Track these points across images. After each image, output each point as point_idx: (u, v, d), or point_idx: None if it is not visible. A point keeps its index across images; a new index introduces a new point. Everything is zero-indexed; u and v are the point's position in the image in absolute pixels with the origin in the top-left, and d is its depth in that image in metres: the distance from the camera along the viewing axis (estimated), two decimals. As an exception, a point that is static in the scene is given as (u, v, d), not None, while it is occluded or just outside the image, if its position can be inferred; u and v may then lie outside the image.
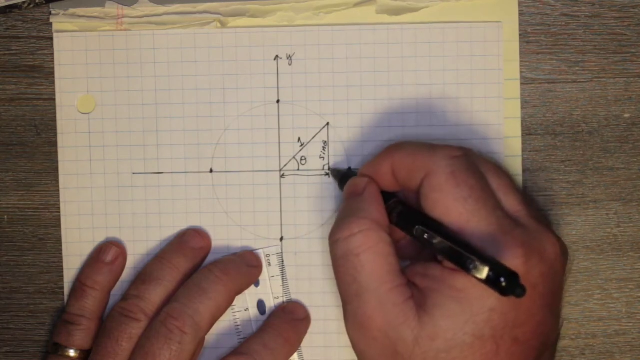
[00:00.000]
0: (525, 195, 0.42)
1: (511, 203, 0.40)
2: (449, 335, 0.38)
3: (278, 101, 0.47)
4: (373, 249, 0.40)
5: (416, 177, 0.40)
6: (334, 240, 0.41)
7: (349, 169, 0.47)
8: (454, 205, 0.39)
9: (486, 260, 0.36)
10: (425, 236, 0.39)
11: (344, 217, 0.42)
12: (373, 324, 0.40)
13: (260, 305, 0.48)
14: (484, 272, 0.36)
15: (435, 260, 0.40)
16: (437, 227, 0.39)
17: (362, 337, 0.41)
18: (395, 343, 0.39)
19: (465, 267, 0.37)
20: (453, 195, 0.39)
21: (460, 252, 0.37)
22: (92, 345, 0.46)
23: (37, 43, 0.48)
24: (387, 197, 0.43)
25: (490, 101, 0.47)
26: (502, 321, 0.38)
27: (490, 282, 0.36)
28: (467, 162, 0.40)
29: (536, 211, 0.41)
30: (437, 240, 0.38)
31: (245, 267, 0.46)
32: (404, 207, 0.42)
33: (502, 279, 0.35)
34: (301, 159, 0.47)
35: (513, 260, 0.38)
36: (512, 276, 0.35)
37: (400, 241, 0.43)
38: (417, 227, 0.39)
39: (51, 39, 0.47)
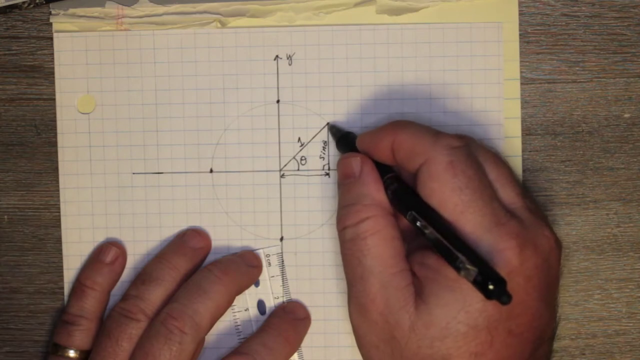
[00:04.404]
0: (523, 187, 0.42)
1: (508, 194, 0.40)
2: (443, 323, 0.38)
3: (278, 101, 0.47)
4: (380, 233, 0.41)
5: (415, 161, 0.40)
6: (342, 227, 0.42)
7: (348, 132, 0.46)
8: (450, 196, 0.39)
9: (475, 261, 0.36)
10: (418, 224, 0.39)
11: (349, 204, 0.42)
12: (374, 307, 0.40)
13: (260, 305, 0.48)
14: (471, 274, 0.36)
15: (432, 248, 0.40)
16: (430, 215, 0.39)
17: (363, 321, 0.41)
18: (393, 328, 0.40)
19: (453, 265, 0.37)
20: (450, 185, 0.39)
21: (449, 248, 0.37)
22: (92, 346, 0.46)
23: (37, 43, 0.48)
24: (383, 170, 0.42)
25: (490, 101, 0.47)
26: (496, 312, 0.38)
27: (477, 284, 0.36)
28: (467, 152, 0.40)
29: (533, 204, 0.41)
30: (428, 230, 0.38)
31: (245, 267, 0.46)
32: (399, 184, 0.41)
33: (490, 284, 0.35)
34: (301, 159, 0.47)
35: (507, 252, 0.38)
36: (500, 282, 0.35)
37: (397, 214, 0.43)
38: (410, 212, 0.39)
39: (51, 39, 0.47)
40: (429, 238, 0.38)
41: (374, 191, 0.42)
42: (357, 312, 0.41)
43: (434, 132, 0.41)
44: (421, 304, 0.39)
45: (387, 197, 0.42)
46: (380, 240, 0.41)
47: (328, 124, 0.47)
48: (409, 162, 0.41)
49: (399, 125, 0.42)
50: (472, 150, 0.41)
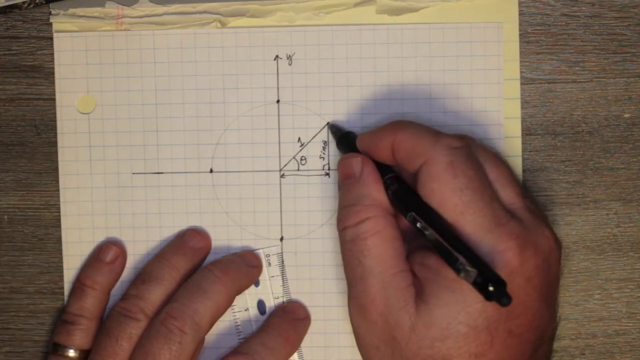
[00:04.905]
0: (523, 187, 0.42)
1: (508, 195, 0.40)
2: (443, 324, 0.38)
3: (278, 101, 0.47)
4: (380, 234, 0.41)
5: (415, 161, 0.40)
6: (343, 227, 0.42)
7: (348, 131, 0.46)
8: (450, 196, 0.39)
9: (475, 263, 0.36)
10: (418, 225, 0.39)
11: (350, 204, 0.42)
12: (374, 307, 0.40)
13: (260, 305, 0.48)
14: (471, 275, 0.36)
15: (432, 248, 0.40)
16: (430, 216, 0.39)
17: (363, 321, 0.41)
18: (393, 328, 0.40)
19: (453, 266, 0.37)
20: (450, 186, 0.39)
21: (449, 250, 0.37)
22: (91, 345, 0.46)
23: (37, 43, 0.48)
24: (383, 170, 0.42)
25: (490, 101, 0.47)
26: (497, 313, 0.38)
27: (477, 285, 0.36)
28: (467, 152, 0.40)
29: (533, 204, 0.41)
30: (429, 231, 0.38)
31: (245, 267, 0.46)
32: (399, 185, 0.41)
33: (490, 285, 0.35)
34: (301, 159, 0.47)
35: (507, 253, 0.38)
36: (499, 283, 0.35)
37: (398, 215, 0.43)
38: (410, 213, 0.39)
39: (51, 39, 0.47)
40: (429, 239, 0.38)
41: (375, 192, 0.42)
42: (357, 313, 0.41)
43: (434, 133, 0.41)
44: (421, 305, 0.39)
45: (388, 197, 0.42)
46: (381, 241, 0.41)
47: (328, 123, 0.47)
48: (409, 163, 0.41)
49: (399, 125, 0.42)
50: (472, 150, 0.41)
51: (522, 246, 0.38)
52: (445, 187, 0.39)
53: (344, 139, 0.45)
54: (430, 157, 0.40)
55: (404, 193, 0.41)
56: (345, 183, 0.43)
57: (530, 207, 0.41)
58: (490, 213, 0.39)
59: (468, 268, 0.36)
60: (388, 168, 0.42)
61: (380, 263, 0.40)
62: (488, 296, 0.35)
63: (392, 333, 0.40)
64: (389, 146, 0.42)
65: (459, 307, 0.38)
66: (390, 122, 0.43)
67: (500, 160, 0.42)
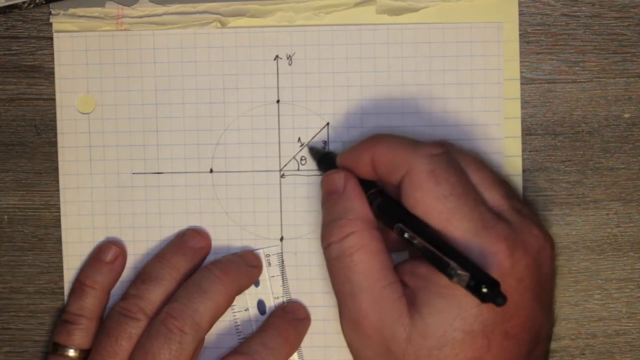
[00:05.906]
0: (508, 187, 0.42)
1: (493, 197, 0.40)
2: (439, 332, 0.38)
3: (278, 101, 0.47)
4: (365, 248, 0.40)
5: (397, 172, 0.40)
6: (327, 244, 0.41)
7: (328, 151, 0.46)
8: (434, 204, 0.39)
9: (467, 266, 0.36)
10: (406, 235, 0.39)
11: (333, 219, 0.42)
12: (367, 322, 0.40)
13: (260, 305, 0.48)
14: (464, 279, 0.36)
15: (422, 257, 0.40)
16: (417, 225, 0.39)
17: (357, 336, 0.41)
18: (388, 341, 0.39)
19: (445, 272, 0.37)
20: (434, 194, 0.39)
21: (440, 256, 0.37)
22: (91, 345, 0.46)
23: (37, 43, 0.48)
24: (367, 186, 0.42)
25: (490, 101, 0.47)
26: (491, 315, 0.38)
27: (470, 288, 0.35)
28: (448, 159, 0.40)
29: (519, 203, 0.41)
30: (417, 240, 0.38)
31: (245, 267, 0.46)
32: (384, 198, 0.41)
33: (484, 287, 0.35)
34: (301, 159, 0.47)
35: (497, 255, 0.38)
36: (493, 284, 0.35)
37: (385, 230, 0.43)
38: (397, 224, 0.39)
39: (51, 39, 0.48)
40: (418, 248, 0.38)
41: (359, 205, 0.42)
42: (350, 329, 0.41)
43: (412, 142, 0.41)
44: (415, 314, 0.39)
45: (373, 212, 0.42)
46: (367, 255, 0.40)
47: (307, 146, 0.47)
48: (390, 175, 0.41)
49: (377, 139, 0.42)
50: (453, 156, 0.40)
51: (512, 247, 0.38)
52: (429, 195, 0.39)
53: (325, 159, 0.45)
54: (411, 166, 0.39)
55: (389, 205, 0.41)
56: (329, 199, 0.43)
57: (517, 207, 0.40)
58: (477, 217, 0.39)
59: (460, 272, 0.36)
60: (371, 184, 0.42)
61: (368, 277, 0.40)
62: (483, 298, 0.35)
63: (388, 346, 0.40)
64: (369, 161, 0.41)
65: (454, 313, 0.38)
66: (368, 137, 0.43)
67: (481, 163, 0.42)
